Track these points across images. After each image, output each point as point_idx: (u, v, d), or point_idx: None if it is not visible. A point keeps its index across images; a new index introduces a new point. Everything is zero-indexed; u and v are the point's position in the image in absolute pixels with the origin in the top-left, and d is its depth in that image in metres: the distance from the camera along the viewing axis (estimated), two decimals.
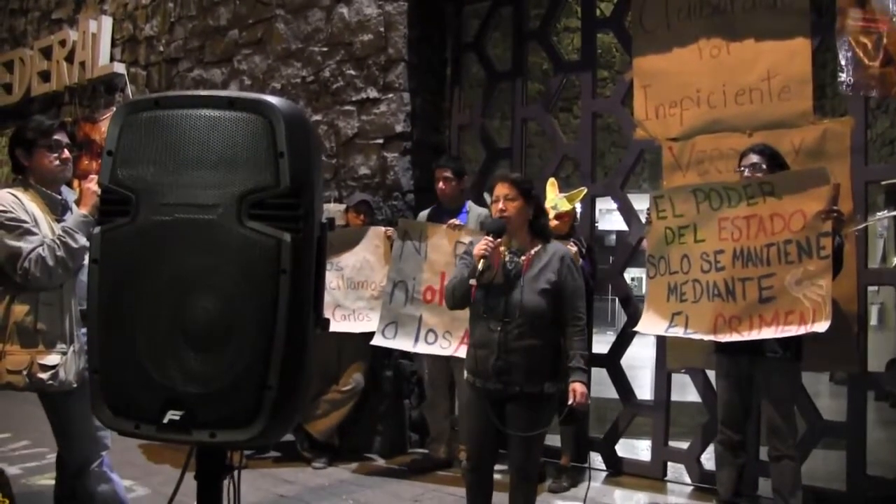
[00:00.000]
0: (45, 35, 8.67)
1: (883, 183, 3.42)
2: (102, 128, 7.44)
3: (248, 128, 1.40)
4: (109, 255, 1.45)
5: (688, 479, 4.72)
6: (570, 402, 3.05)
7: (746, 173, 3.77)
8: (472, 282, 3.00)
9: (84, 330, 2.88)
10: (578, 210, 5.07)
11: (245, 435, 1.37)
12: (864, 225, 3.36)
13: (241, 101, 1.43)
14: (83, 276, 2.91)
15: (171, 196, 1.42)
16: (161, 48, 7.34)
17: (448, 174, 5.02)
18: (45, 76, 8.43)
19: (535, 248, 3.17)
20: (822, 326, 3.46)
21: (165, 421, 1.37)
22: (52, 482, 3.15)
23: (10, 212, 2.83)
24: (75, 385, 2.89)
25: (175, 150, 1.43)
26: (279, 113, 1.40)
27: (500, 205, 3.14)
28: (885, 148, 8.15)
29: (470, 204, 5.11)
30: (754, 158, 3.79)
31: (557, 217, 4.44)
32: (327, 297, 5.01)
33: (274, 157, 1.38)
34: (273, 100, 1.42)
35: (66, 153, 3.03)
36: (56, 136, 2.99)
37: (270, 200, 1.39)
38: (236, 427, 1.37)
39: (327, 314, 5.04)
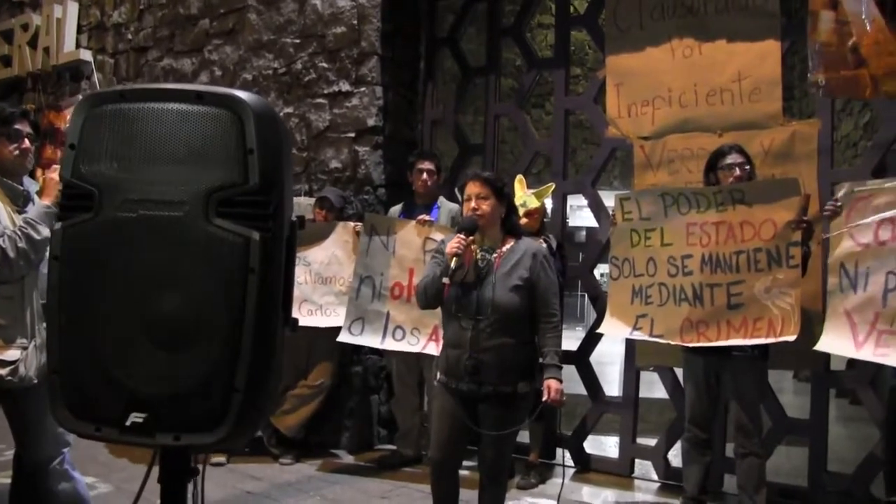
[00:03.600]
0: (6, 18, 8.42)
1: (857, 190, 3.48)
2: (67, 116, 7.29)
3: (217, 123, 1.36)
4: (70, 252, 1.40)
5: (655, 476, 4.76)
6: (544, 398, 3.05)
7: (737, 172, 3.78)
8: (445, 280, 2.99)
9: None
10: (549, 206, 5.07)
11: (211, 438, 1.33)
12: (856, 224, 3.42)
13: (210, 96, 1.38)
14: (46, 269, 2.84)
15: (135, 192, 1.37)
16: (130, 36, 7.21)
17: (431, 167, 4.99)
18: (5, 60, 8.22)
19: (507, 246, 3.17)
20: (790, 336, 3.52)
21: (128, 423, 1.33)
22: (9, 481, 3.07)
23: None
24: (36, 381, 2.82)
25: (140, 144, 1.38)
26: (249, 108, 1.36)
27: (473, 203, 3.12)
28: (849, 150, 8.25)
29: (441, 199, 5.09)
30: (739, 158, 3.81)
31: (527, 214, 4.43)
32: (295, 292, 4.98)
33: (243, 153, 1.34)
34: (243, 95, 1.38)
35: (27, 143, 2.92)
36: (17, 126, 2.89)
37: (239, 198, 1.35)
38: (202, 430, 1.33)
39: (294, 309, 4.99)
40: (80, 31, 7.75)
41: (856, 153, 7.95)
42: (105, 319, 1.38)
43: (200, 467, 1.50)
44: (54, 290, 1.41)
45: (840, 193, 3.53)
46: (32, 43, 7.94)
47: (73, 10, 7.72)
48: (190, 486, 1.51)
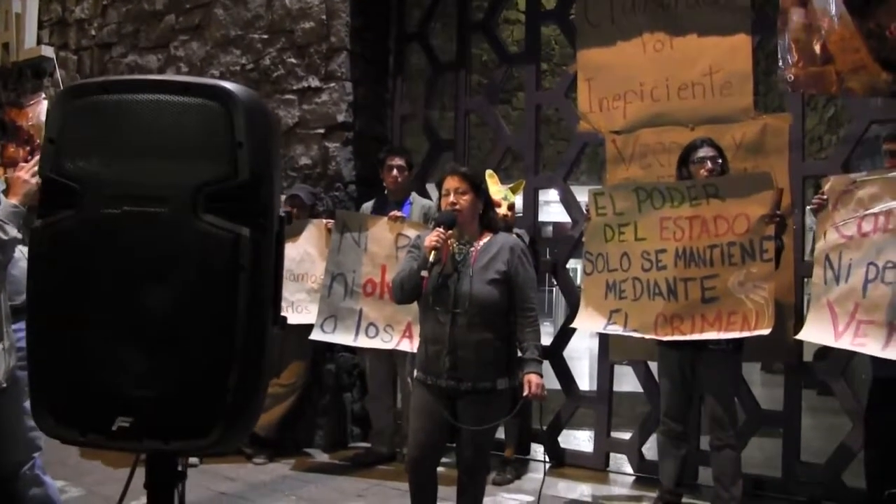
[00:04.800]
0: None
1: (847, 183, 3.53)
2: (30, 113, 7.11)
3: (204, 115, 1.31)
4: (52, 251, 1.34)
5: (629, 470, 4.77)
6: (525, 393, 3.04)
7: (709, 165, 3.81)
8: (424, 273, 2.97)
9: (15, 326, 2.73)
10: (519, 202, 5.07)
11: (202, 442, 1.28)
12: (844, 220, 3.48)
13: (197, 87, 1.33)
14: (13, 270, 2.76)
15: (119, 187, 1.32)
16: (93, 32, 7.05)
17: (402, 163, 4.96)
18: None
19: (485, 240, 3.15)
20: (764, 330, 3.57)
21: (114, 428, 1.28)
22: None
23: None
24: (4, 385, 2.73)
25: (123, 137, 1.32)
26: (237, 100, 1.31)
27: (451, 198, 3.11)
28: (813, 144, 8.37)
29: (414, 195, 5.06)
30: (710, 152, 3.84)
31: (509, 208, 4.44)
32: None
33: (232, 146, 1.29)
34: (231, 86, 1.33)
35: None
36: None
37: (228, 193, 1.30)
38: (192, 433, 1.28)
39: None
40: (41, 26, 7.55)
41: (821, 146, 8.06)
42: (89, 320, 1.33)
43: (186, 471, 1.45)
44: (34, 291, 1.34)
45: (826, 187, 3.58)
46: None
47: (32, 5, 7.52)
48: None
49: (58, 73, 7.26)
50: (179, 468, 1.38)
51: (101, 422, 1.30)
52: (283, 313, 4.12)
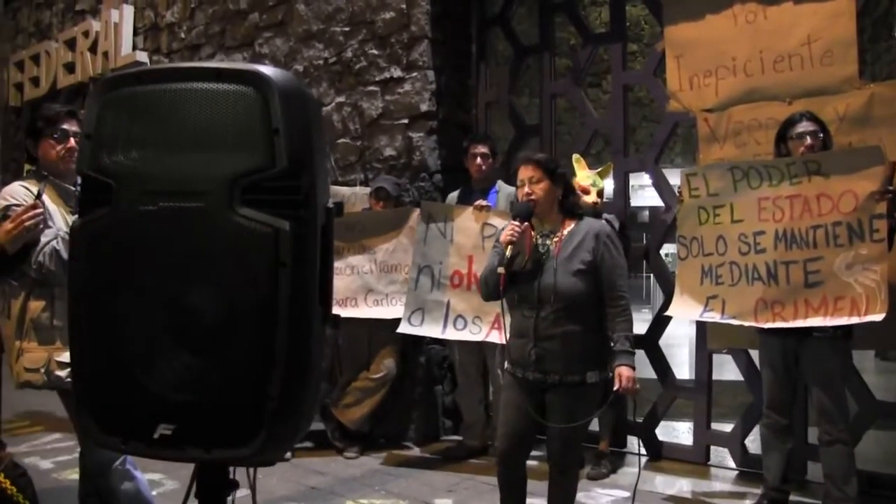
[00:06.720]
0: (70, 27, 8.66)
1: None
2: None
3: (239, 102, 1.23)
4: (89, 250, 1.29)
5: (732, 464, 4.55)
6: (616, 387, 2.90)
7: (809, 141, 3.57)
8: (500, 270, 2.87)
9: None
10: (610, 186, 4.90)
11: (245, 451, 1.20)
12: None
13: (230, 73, 1.25)
14: None
15: (154, 182, 1.25)
16: (182, 35, 7.25)
17: (485, 151, 4.88)
18: (70, 68, 8.42)
19: (568, 228, 3.02)
20: (877, 316, 3.29)
21: (156, 436, 1.22)
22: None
23: (23, 205, 2.71)
24: None
25: (157, 129, 1.26)
26: (273, 84, 1.22)
27: (526, 188, 2.99)
28: None
29: (500, 183, 4.95)
30: (811, 126, 3.59)
31: (599, 194, 4.28)
32: (359, 282, 4.96)
33: (268, 134, 1.21)
34: (266, 70, 1.24)
35: (72, 142, 2.83)
36: (63, 125, 2.83)
37: (266, 184, 1.21)
38: (234, 442, 1.21)
39: (359, 299, 4.97)
40: (136, 33, 7.86)
41: None
42: (127, 322, 1.27)
43: (248, 474, 1.38)
44: (74, 293, 1.30)
45: None
46: (93, 49, 8.11)
47: (129, 13, 7.84)
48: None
49: None
50: (231, 476, 1.32)
51: (143, 429, 1.24)
52: (377, 307, 4.12)
